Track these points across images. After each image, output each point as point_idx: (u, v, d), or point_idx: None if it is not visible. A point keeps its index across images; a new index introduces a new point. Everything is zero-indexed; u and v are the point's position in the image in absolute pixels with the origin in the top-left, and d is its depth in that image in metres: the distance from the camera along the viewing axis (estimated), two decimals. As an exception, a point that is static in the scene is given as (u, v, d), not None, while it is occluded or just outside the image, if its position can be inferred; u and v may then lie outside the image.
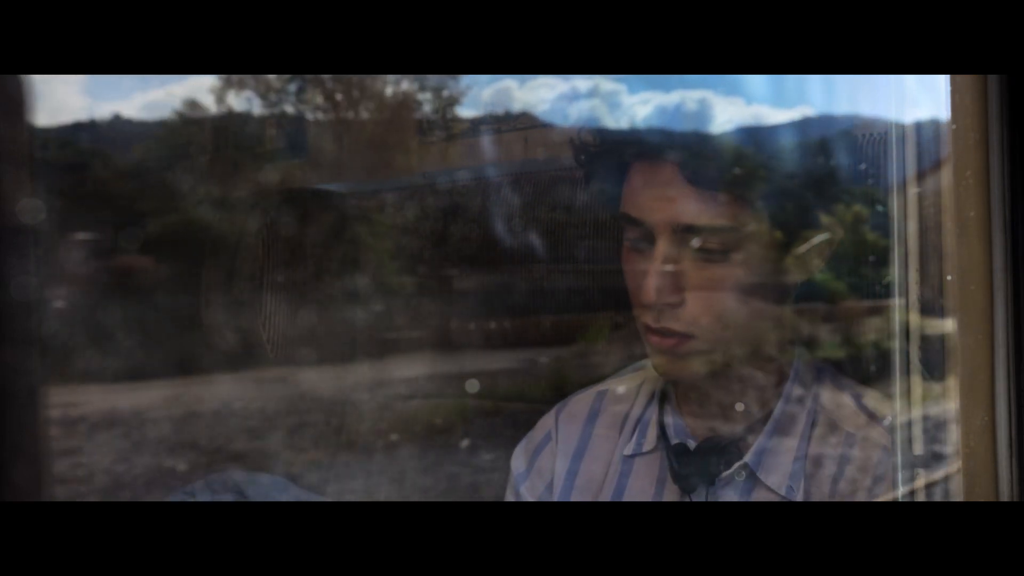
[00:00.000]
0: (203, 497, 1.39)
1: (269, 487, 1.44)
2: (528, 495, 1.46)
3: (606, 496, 1.40)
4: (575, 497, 1.42)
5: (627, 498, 1.38)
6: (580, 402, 1.48)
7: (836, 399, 1.34)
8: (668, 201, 1.24)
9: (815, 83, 1.32)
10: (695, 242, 1.24)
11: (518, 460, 1.49)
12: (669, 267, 1.24)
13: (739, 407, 1.33)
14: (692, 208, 1.23)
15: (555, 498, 1.42)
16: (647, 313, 1.27)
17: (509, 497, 1.49)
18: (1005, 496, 0.87)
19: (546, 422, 1.48)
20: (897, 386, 1.02)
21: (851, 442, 1.30)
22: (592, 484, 1.42)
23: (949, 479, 0.96)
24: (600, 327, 1.83)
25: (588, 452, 1.44)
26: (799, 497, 1.28)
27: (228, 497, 1.39)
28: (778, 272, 1.30)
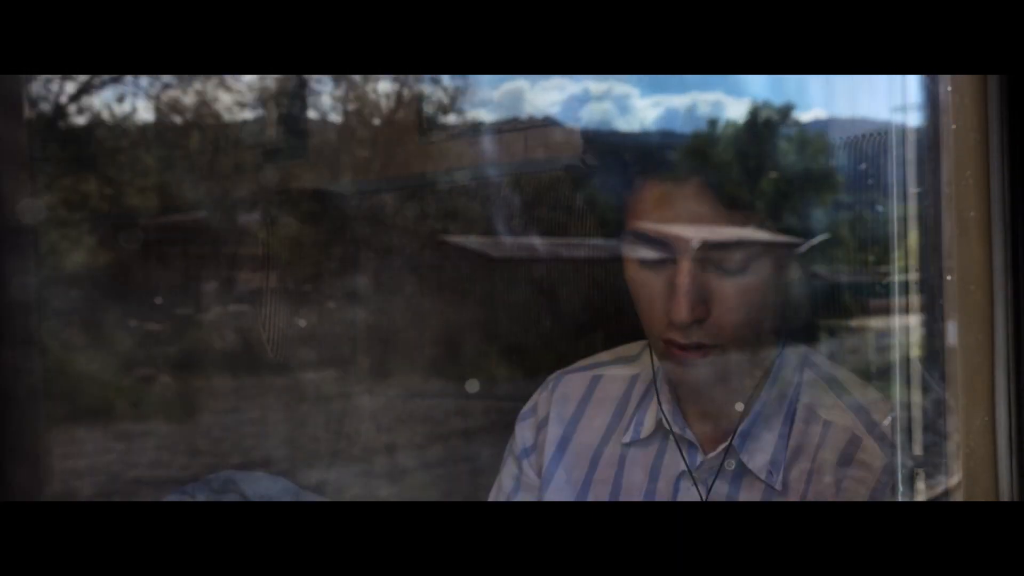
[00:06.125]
0: (202, 497, 1.39)
1: (268, 486, 1.44)
2: (531, 471, 1.46)
3: (603, 483, 1.41)
4: (566, 478, 1.43)
5: (625, 485, 1.39)
6: (574, 381, 1.48)
7: (817, 387, 1.35)
8: (694, 220, 1.23)
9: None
10: (718, 257, 1.23)
11: (525, 434, 1.47)
12: (696, 285, 1.23)
13: (737, 404, 1.34)
14: (718, 226, 1.22)
15: (546, 478, 1.43)
16: (673, 330, 1.25)
17: (508, 470, 1.49)
18: (1005, 496, 0.87)
19: (541, 398, 1.49)
20: (897, 386, 1.02)
21: (828, 430, 1.31)
22: (581, 465, 1.43)
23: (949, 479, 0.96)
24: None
25: (578, 434, 1.45)
26: (778, 480, 1.30)
27: (227, 497, 1.38)
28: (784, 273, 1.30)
